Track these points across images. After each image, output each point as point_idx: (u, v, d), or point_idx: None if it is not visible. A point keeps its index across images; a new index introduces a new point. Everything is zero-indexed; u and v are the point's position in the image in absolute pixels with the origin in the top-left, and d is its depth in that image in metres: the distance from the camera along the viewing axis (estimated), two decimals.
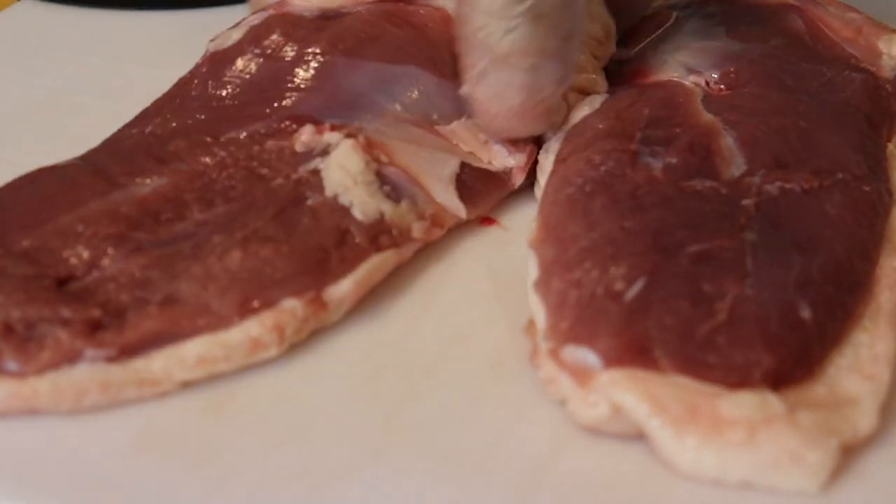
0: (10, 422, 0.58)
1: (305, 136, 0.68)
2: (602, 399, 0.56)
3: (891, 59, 0.76)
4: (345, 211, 0.64)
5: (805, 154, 0.67)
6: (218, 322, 0.59)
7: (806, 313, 0.58)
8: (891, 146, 0.70)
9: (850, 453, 0.55)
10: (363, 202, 0.65)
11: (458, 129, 0.71)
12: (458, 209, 0.68)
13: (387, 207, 0.65)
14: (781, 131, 0.68)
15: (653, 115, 0.70)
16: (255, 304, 0.60)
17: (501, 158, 0.71)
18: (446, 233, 0.69)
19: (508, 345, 0.62)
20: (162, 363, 0.59)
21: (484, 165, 0.70)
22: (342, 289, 0.62)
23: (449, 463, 0.56)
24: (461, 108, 0.71)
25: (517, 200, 0.72)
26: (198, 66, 0.74)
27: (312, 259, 0.62)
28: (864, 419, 0.56)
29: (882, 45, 0.77)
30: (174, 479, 0.55)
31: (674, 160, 0.66)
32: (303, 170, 0.66)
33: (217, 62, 0.74)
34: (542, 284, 0.62)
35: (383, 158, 0.67)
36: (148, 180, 0.65)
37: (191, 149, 0.67)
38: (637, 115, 0.70)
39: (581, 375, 0.57)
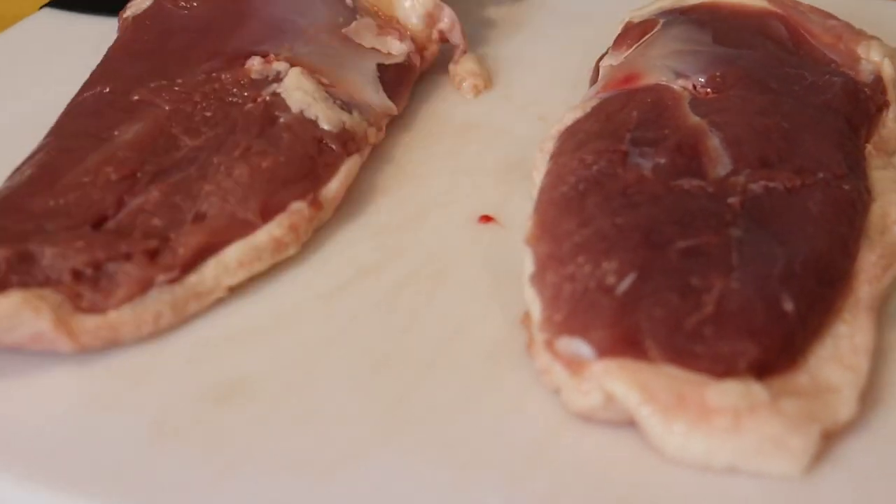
0: (36, 412, 0.59)
1: (257, 65, 0.75)
2: (594, 388, 0.57)
3: (869, 63, 0.77)
4: (314, 123, 0.72)
5: (788, 154, 0.68)
6: (246, 228, 0.66)
7: (789, 306, 0.59)
8: (869, 146, 0.71)
9: (830, 439, 0.57)
10: (327, 115, 0.72)
11: (357, 29, 0.81)
12: (390, 108, 0.78)
13: (346, 117, 0.73)
14: (766, 132, 0.69)
15: (642, 117, 0.71)
16: (272, 208, 0.67)
17: (396, 46, 0.81)
18: (446, 229, 0.71)
19: (505, 337, 0.63)
20: (212, 273, 0.65)
21: (392, 60, 0.81)
22: (332, 189, 0.71)
23: (449, 449, 0.57)
24: (351, 13, 0.80)
25: (513, 199, 0.73)
26: (122, 33, 0.80)
27: (304, 166, 0.70)
28: (844, 407, 0.57)
29: (861, 51, 0.77)
30: (188, 465, 0.56)
31: (662, 160, 0.67)
32: (265, 93, 0.74)
33: (140, 24, 0.79)
34: (538, 279, 0.63)
35: (325, 80, 0.75)
36: (127, 128, 0.71)
37: (156, 94, 0.73)
38: (627, 118, 0.71)
39: (574, 365, 0.58)
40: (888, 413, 0.59)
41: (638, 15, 0.81)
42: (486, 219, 0.72)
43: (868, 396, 0.59)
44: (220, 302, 0.66)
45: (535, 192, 0.70)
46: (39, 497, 0.56)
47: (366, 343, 0.63)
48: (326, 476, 0.56)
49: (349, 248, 0.70)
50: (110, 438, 0.58)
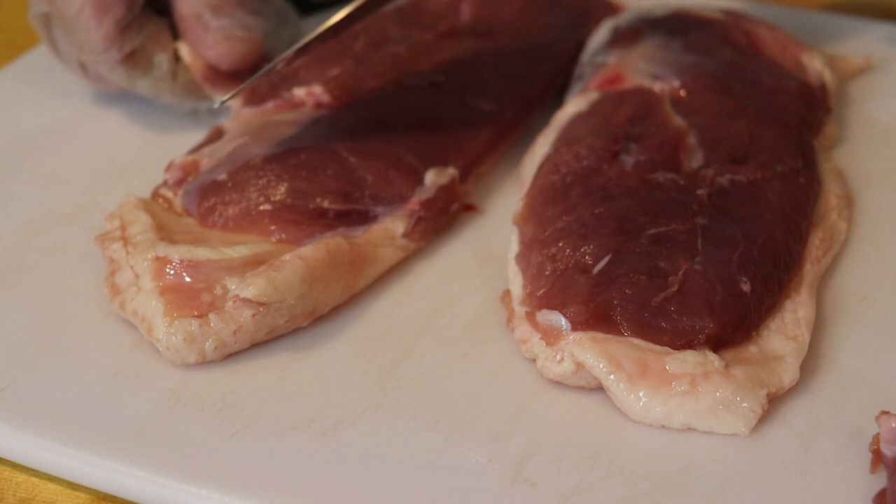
0: (73, 384, 0.62)
1: None
2: (567, 357, 0.61)
3: (815, 71, 0.80)
4: None
5: (753, 151, 0.71)
6: None
7: (746, 287, 0.63)
8: (815, 143, 0.75)
9: (775, 402, 0.61)
10: None
11: None
12: None
13: None
14: (736, 132, 0.72)
15: (634, 117, 0.74)
16: None
17: None
18: None
19: (486, 311, 0.67)
20: None
21: None
22: None
23: (437, 412, 0.61)
24: None
25: (493, 189, 0.76)
26: None
27: None
28: (788, 373, 0.61)
29: (804, 59, 0.81)
30: (203, 427, 0.60)
31: (644, 157, 0.70)
32: None
33: None
34: (523, 258, 0.66)
35: None
36: None
37: None
38: (621, 117, 0.74)
39: (551, 336, 0.62)
40: (825, 378, 0.62)
41: (624, 21, 0.83)
42: (468, 207, 0.74)
43: (807, 363, 0.62)
44: None
45: (525, 172, 0.73)
46: (77, 456, 0.59)
47: (361, 317, 0.66)
48: (327, 435, 0.59)
49: None
50: (136, 404, 0.61)
